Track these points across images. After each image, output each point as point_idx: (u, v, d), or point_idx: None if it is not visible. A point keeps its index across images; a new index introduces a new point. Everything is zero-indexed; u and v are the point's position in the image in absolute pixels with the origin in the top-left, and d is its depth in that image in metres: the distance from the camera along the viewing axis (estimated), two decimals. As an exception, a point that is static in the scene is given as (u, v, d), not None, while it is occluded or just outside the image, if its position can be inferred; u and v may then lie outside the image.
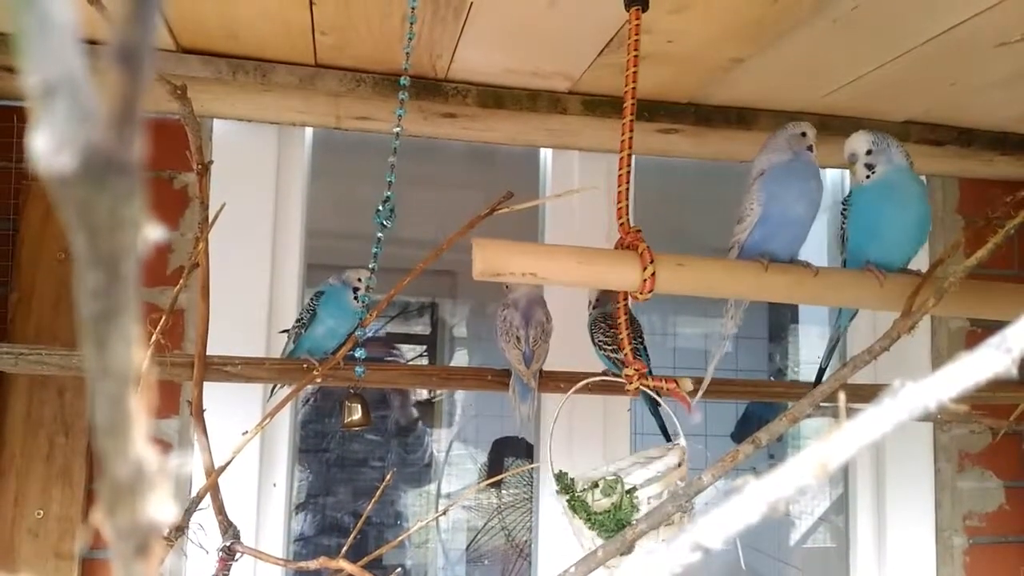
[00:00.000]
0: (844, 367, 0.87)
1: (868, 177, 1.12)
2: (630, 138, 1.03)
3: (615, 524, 1.00)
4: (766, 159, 1.17)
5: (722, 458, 0.81)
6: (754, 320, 2.32)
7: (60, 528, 1.34)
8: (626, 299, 1.15)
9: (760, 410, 2.11)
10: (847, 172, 1.75)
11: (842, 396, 0.30)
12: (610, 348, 1.26)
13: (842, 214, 1.21)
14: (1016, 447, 1.75)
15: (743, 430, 2.15)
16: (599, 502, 1.03)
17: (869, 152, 1.12)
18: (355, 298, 1.23)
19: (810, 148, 1.15)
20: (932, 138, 1.50)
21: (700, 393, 1.20)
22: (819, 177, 1.15)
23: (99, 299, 0.16)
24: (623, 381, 1.16)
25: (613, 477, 1.04)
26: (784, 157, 1.15)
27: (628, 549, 0.77)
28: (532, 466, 1.06)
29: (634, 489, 1.02)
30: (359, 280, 1.24)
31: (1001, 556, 1.73)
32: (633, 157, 1.63)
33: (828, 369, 1.32)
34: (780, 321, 2.38)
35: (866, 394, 1.27)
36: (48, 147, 0.15)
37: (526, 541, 1.90)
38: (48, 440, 1.35)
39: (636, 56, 1.01)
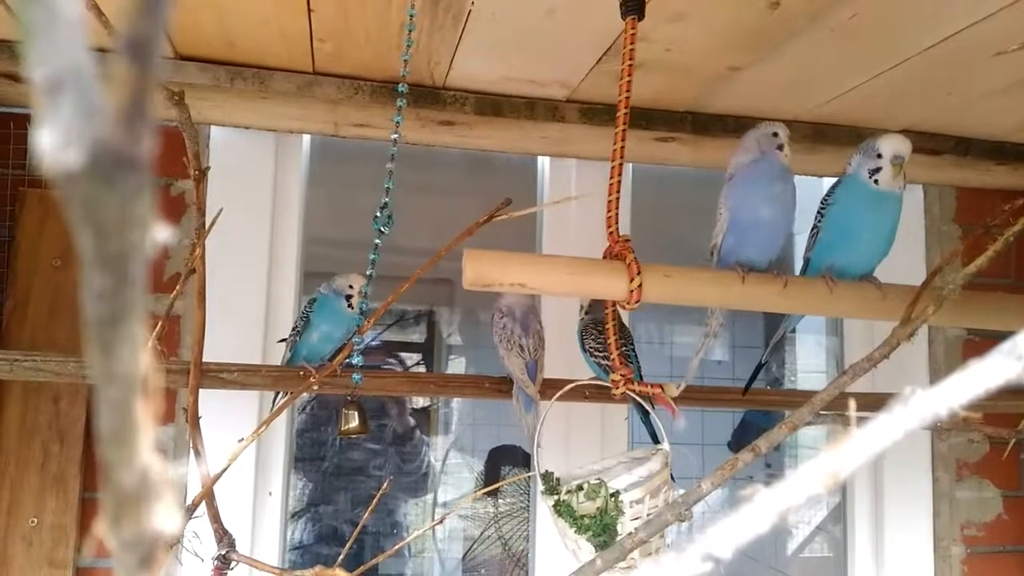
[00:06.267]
0: (843, 375, 0.87)
1: (903, 187, 1.08)
2: (622, 147, 1.02)
3: (601, 528, 1.01)
4: (735, 162, 1.13)
5: (721, 466, 0.81)
6: (750, 329, 2.31)
7: (54, 536, 1.33)
8: (614, 306, 1.14)
9: (757, 418, 2.11)
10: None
11: (852, 404, 0.30)
12: (600, 355, 1.25)
13: (820, 212, 1.15)
14: (1014, 456, 1.75)
15: (740, 439, 2.15)
16: (583, 505, 1.03)
17: (904, 161, 1.07)
18: (348, 305, 1.23)
19: (780, 148, 1.10)
20: (929, 147, 1.50)
21: (683, 385, 1.16)
22: (788, 178, 1.10)
23: (106, 302, 0.15)
24: (610, 386, 1.16)
25: (597, 481, 1.04)
26: (750, 159, 1.11)
27: (623, 557, 0.77)
28: (529, 474, 1.06)
29: (618, 493, 1.02)
30: (350, 287, 1.24)
31: (999, 566, 1.72)
32: (630, 166, 1.63)
33: (826, 377, 1.32)
34: (776, 329, 2.37)
35: (865, 403, 1.27)
36: (55, 143, 0.14)
37: (523, 550, 1.89)
38: (43, 448, 1.34)
39: (631, 65, 1.00)
